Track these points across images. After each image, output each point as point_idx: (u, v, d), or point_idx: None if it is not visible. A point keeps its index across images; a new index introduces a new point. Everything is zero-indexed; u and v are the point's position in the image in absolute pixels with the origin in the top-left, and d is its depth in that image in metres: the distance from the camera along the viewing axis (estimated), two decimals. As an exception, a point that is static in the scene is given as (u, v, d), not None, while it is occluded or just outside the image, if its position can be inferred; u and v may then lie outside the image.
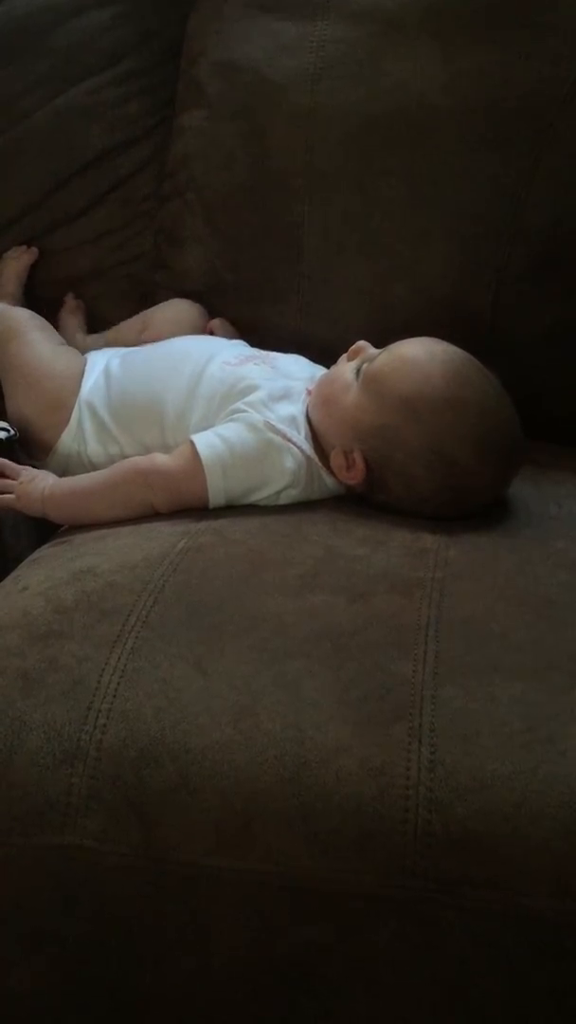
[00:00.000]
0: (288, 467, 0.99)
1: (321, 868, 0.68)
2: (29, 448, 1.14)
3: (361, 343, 1.05)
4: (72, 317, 1.31)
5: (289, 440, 1.00)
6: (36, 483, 1.05)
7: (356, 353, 1.04)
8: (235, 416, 1.02)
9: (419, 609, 0.82)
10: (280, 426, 1.00)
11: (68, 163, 1.30)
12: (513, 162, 1.16)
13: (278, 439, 1.00)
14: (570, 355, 1.19)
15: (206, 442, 0.99)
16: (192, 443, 0.99)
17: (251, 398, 1.03)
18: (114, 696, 0.74)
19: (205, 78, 1.26)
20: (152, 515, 0.99)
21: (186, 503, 0.99)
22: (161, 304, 1.27)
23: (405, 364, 1.00)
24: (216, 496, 0.98)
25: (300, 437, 1.01)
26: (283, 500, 1.00)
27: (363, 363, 1.02)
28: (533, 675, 0.76)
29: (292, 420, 1.02)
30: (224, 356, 1.10)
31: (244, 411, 1.02)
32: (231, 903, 0.69)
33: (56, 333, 1.25)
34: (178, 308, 1.25)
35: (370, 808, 0.68)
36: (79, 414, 1.12)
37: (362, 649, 0.78)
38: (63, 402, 1.13)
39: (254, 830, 0.69)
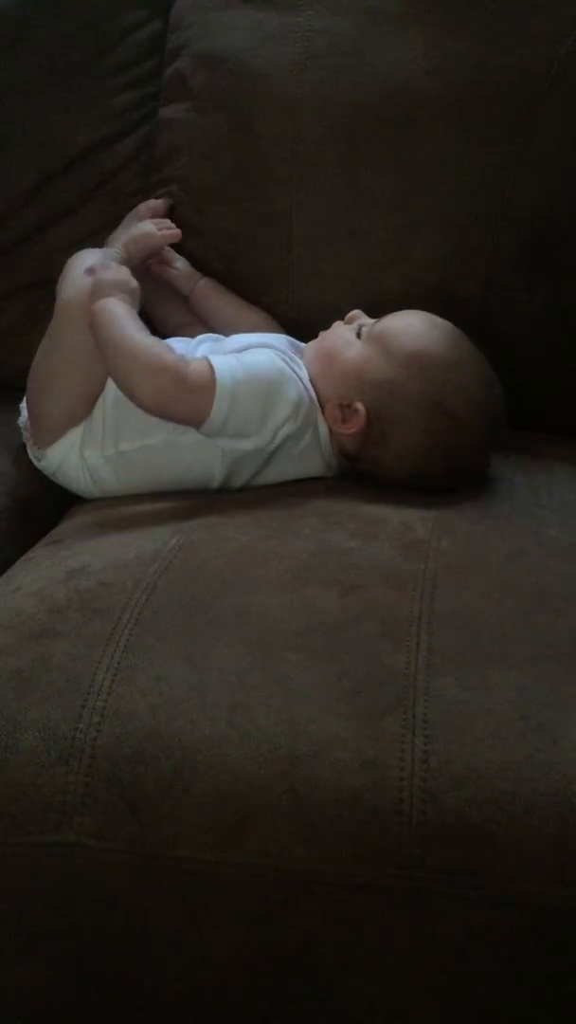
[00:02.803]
0: (292, 397, 1.01)
1: (317, 860, 0.68)
2: (34, 435, 1.13)
3: (357, 311, 1.09)
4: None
5: (296, 373, 1.03)
6: (105, 281, 1.06)
7: (352, 319, 1.08)
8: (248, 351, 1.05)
9: (412, 601, 0.82)
10: (288, 361, 1.04)
11: (54, 161, 1.29)
12: (500, 148, 1.15)
13: (288, 370, 1.03)
14: (559, 341, 1.19)
15: (222, 360, 1.01)
16: (208, 361, 1.01)
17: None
18: (108, 694, 0.74)
19: (189, 70, 1.26)
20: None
21: (178, 413, 1.00)
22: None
23: (411, 325, 1.05)
24: (220, 405, 0.99)
25: (304, 374, 1.04)
26: (278, 440, 1.01)
27: (361, 327, 1.06)
28: (526, 664, 0.76)
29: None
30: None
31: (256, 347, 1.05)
32: (228, 897, 0.70)
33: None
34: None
35: (365, 799, 0.69)
36: (89, 419, 1.10)
37: (355, 642, 0.78)
38: (84, 411, 1.09)
39: (250, 824, 0.69)
